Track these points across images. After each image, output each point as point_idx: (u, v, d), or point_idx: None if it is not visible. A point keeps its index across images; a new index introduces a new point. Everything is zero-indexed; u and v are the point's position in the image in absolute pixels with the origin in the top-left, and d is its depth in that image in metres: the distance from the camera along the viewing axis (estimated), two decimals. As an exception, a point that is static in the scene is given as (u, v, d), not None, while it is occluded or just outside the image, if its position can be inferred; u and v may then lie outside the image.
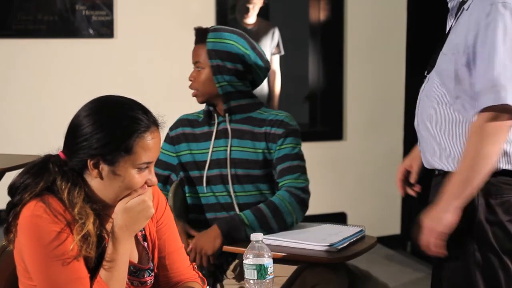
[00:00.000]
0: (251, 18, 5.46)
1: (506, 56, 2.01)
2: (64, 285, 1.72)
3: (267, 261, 1.91)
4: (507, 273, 2.16)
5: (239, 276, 2.61)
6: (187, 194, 2.76)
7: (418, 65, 2.98)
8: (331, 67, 5.20)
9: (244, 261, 1.93)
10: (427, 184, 2.48)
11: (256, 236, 1.95)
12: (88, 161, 1.77)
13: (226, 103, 2.70)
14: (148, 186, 1.82)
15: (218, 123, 2.74)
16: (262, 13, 5.59)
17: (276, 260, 2.06)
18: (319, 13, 5.19)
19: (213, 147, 2.72)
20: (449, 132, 2.18)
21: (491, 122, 2.02)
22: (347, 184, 5.22)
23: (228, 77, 2.69)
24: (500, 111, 2.02)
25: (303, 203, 2.63)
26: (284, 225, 2.60)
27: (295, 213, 2.60)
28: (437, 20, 2.77)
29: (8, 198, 1.80)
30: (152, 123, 1.81)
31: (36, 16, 4.57)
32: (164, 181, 2.75)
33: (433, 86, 2.21)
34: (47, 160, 1.82)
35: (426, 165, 2.32)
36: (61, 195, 1.76)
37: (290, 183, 2.64)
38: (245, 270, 1.92)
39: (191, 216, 2.77)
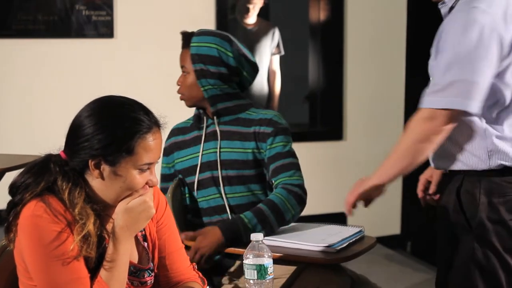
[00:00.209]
0: (251, 18, 5.46)
1: (456, 61, 2.03)
2: (64, 285, 1.72)
3: (267, 261, 1.91)
4: (509, 273, 2.16)
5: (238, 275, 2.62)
6: (186, 195, 2.76)
7: (418, 65, 2.99)
8: (331, 67, 5.20)
9: (244, 261, 1.93)
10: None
11: (256, 236, 1.95)
12: (90, 161, 1.77)
13: (213, 106, 2.70)
14: (149, 186, 1.83)
15: (207, 126, 2.74)
16: (262, 13, 5.59)
17: (276, 261, 2.06)
18: (319, 13, 5.19)
19: (203, 150, 2.72)
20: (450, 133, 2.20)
21: (426, 122, 2.09)
22: (347, 184, 5.19)
23: (212, 80, 2.68)
24: (437, 114, 2.08)
25: (301, 200, 2.63)
26: (283, 223, 2.60)
27: (293, 209, 2.60)
28: (437, 20, 2.77)
29: (8, 198, 1.80)
30: (154, 124, 1.81)
31: (36, 16, 4.57)
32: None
33: None
34: (48, 159, 1.82)
35: (434, 167, 2.34)
36: (61, 195, 1.76)
37: (285, 180, 2.64)
38: (245, 270, 1.92)
39: (188, 217, 2.77)
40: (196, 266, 2.06)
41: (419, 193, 2.52)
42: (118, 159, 1.76)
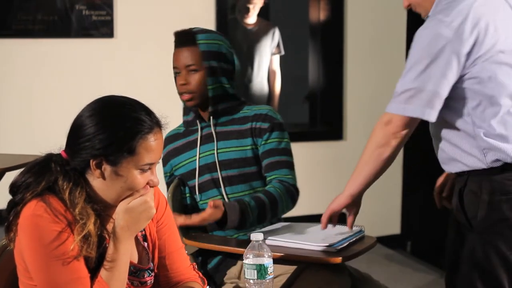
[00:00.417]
0: (252, 18, 5.47)
1: (415, 70, 2.12)
2: (64, 285, 1.72)
3: (267, 261, 1.91)
4: (510, 271, 2.16)
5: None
6: (186, 195, 2.76)
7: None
8: (331, 67, 5.20)
9: (244, 261, 1.93)
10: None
11: (256, 236, 1.95)
12: (91, 161, 1.77)
13: (213, 105, 2.68)
14: (150, 187, 1.83)
15: (202, 129, 2.73)
16: (262, 13, 5.60)
17: (276, 260, 2.06)
18: (319, 13, 5.19)
19: (200, 153, 2.71)
20: (444, 136, 2.24)
21: (384, 126, 2.20)
22: (347, 184, 5.22)
23: (220, 78, 2.67)
24: (393, 119, 2.18)
25: (294, 200, 2.67)
26: (275, 216, 2.64)
27: (287, 207, 2.64)
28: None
29: (9, 198, 1.80)
30: (155, 124, 1.82)
31: (36, 16, 4.57)
32: None
33: None
34: (49, 159, 1.82)
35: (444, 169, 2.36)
36: (62, 195, 1.76)
37: (281, 177, 2.64)
38: (245, 270, 1.92)
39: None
40: (196, 266, 2.06)
41: (435, 196, 2.54)
42: (119, 159, 1.76)
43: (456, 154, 2.20)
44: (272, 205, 2.59)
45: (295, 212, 2.77)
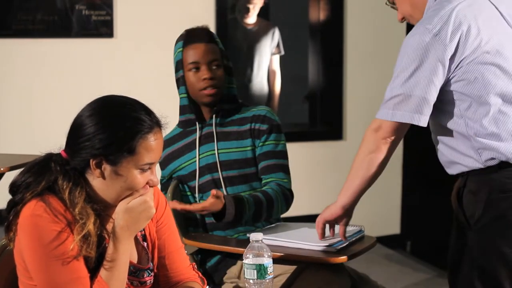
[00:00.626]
0: (252, 18, 5.47)
1: (401, 77, 2.17)
2: (64, 284, 1.72)
3: (267, 261, 1.92)
4: (509, 268, 2.16)
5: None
6: (187, 193, 2.76)
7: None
8: (331, 67, 5.20)
9: (243, 261, 1.93)
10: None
11: (255, 236, 1.95)
12: (91, 160, 1.77)
13: (223, 104, 2.70)
14: (150, 186, 1.83)
15: (201, 128, 2.73)
16: (262, 13, 5.59)
17: (275, 260, 2.06)
18: (319, 13, 5.19)
19: (199, 154, 2.71)
20: (442, 140, 2.26)
21: (373, 132, 2.24)
22: (347, 184, 5.21)
23: (232, 78, 2.73)
24: (383, 125, 2.21)
25: (288, 204, 2.70)
26: (270, 217, 2.65)
27: (281, 210, 2.67)
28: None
29: (8, 198, 1.81)
30: (155, 124, 1.82)
31: (36, 16, 4.57)
32: None
33: None
34: (49, 159, 1.82)
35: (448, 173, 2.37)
36: (62, 195, 1.76)
37: (278, 181, 2.66)
38: (245, 269, 1.92)
39: (188, 215, 2.76)
40: (195, 266, 2.06)
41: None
42: (119, 159, 1.76)
43: (454, 156, 2.22)
44: (269, 205, 2.60)
45: (295, 212, 2.78)
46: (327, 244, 2.40)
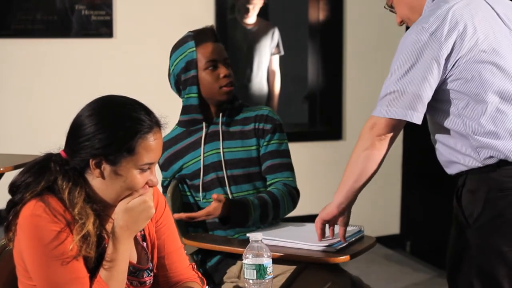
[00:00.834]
0: (251, 18, 5.47)
1: (396, 75, 2.16)
2: (64, 284, 1.72)
3: (266, 261, 1.92)
4: (508, 266, 2.16)
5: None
6: (187, 193, 2.76)
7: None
8: (331, 67, 5.20)
9: (243, 261, 1.93)
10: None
11: (255, 236, 1.95)
12: (90, 160, 1.77)
13: (231, 103, 2.72)
14: (149, 186, 1.83)
15: (208, 127, 2.72)
16: (262, 13, 5.60)
17: (275, 260, 2.06)
18: (318, 13, 5.19)
19: (204, 153, 2.71)
20: (441, 140, 2.26)
21: (369, 129, 2.24)
22: (346, 184, 5.21)
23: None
24: (378, 122, 2.21)
25: (295, 203, 2.70)
26: (277, 217, 2.66)
27: (288, 209, 2.67)
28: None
29: (8, 198, 1.80)
30: (155, 124, 1.82)
31: (36, 16, 4.57)
32: None
33: None
34: (49, 159, 1.82)
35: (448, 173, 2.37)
36: (61, 195, 1.76)
37: (284, 180, 2.66)
38: (245, 270, 1.92)
39: (192, 221, 2.76)
40: (195, 266, 2.06)
41: None
42: (119, 159, 1.76)
43: (453, 156, 2.23)
44: (275, 206, 2.61)
45: (295, 212, 2.78)
46: (327, 244, 2.40)
